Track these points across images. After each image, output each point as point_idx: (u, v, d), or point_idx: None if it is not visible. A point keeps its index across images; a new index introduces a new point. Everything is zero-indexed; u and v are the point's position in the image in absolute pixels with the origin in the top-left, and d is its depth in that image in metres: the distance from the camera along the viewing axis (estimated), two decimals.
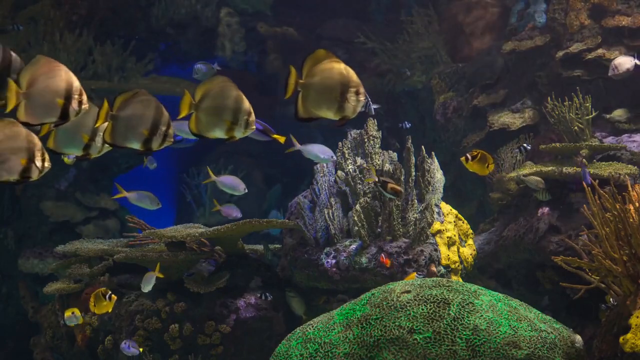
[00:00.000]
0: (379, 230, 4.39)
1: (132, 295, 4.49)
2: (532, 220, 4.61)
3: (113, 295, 3.93)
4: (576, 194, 4.45)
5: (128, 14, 6.58)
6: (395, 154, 4.72)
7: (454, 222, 4.65)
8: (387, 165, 4.53)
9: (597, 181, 3.38)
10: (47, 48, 5.72)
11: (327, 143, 4.32)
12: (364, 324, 3.11)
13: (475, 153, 3.76)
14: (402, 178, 4.46)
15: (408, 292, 3.20)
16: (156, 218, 5.74)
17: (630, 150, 4.73)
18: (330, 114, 2.51)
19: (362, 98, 2.49)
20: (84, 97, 2.45)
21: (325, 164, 4.58)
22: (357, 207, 4.36)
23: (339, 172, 4.63)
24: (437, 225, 4.49)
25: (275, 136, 3.37)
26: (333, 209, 4.44)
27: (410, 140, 4.62)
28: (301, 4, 7.10)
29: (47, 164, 2.49)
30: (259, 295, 4.47)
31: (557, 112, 4.94)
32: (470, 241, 4.71)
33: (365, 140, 4.60)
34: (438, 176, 4.69)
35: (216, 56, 6.97)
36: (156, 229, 4.81)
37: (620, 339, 2.79)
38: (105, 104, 2.47)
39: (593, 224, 3.19)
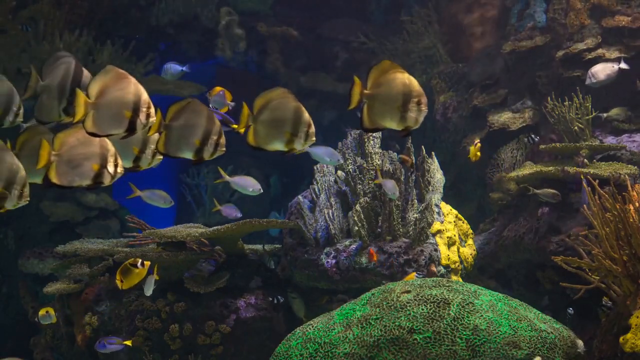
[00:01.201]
0: (379, 230, 4.39)
1: (132, 295, 4.49)
2: (532, 220, 4.61)
3: (146, 262, 3.73)
4: (576, 194, 4.45)
5: (128, 14, 6.57)
6: (395, 154, 4.72)
7: (454, 222, 4.65)
8: (387, 165, 4.53)
9: (597, 181, 3.38)
10: (47, 48, 5.72)
11: (327, 143, 4.32)
12: (364, 324, 3.11)
13: (477, 141, 4.27)
14: (402, 178, 4.46)
15: (408, 292, 3.20)
16: (156, 218, 5.73)
17: (630, 150, 4.73)
18: (393, 124, 2.52)
19: (424, 108, 2.49)
20: (152, 110, 2.43)
21: (325, 164, 4.58)
22: (357, 207, 4.37)
23: (339, 172, 4.63)
24: (437, 225, 4.49)
25: (234, 126, 3.33)
26: (333, 209, 4.44)
27: (410, 140, 4.62)
28: (301, 4, 7.10)
29: (119, 170, 2.50)
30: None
31: (557, 112, 4.95)
32: (470, 241, 4.71)
33: (365, 140, 4.60)
34: (438, 176, 4.69)
35: (216, 56, 6.97)
36: (156, 229, 4.81)
37: (620, 339, 2.79)
38: (159, 114, 2.47)
39: (593, 224, 3.19)
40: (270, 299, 4.48)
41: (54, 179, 2.47)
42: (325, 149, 4.14)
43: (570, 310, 4.11)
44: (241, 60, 7.07)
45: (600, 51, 5.12)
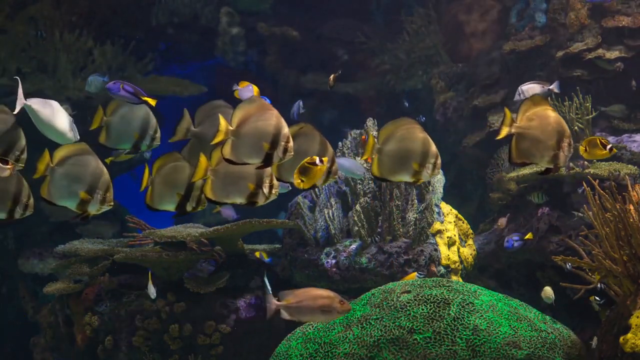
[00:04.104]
0: (379, 230, 4.39)
1: (132, 295, 4.49)
2: (532, 220, 4.61)
3: (324, 158, 3.57)
4: (576, 194, 4.45)
5: (128, 14, 6.57)
6: None
7: (454, 222, 4.65)
8: None
9: (597, 181, 3.38)
10: (47, 48, 5.72)
11: None
12: (364, 324, 3.11)
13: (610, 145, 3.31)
14: None
15: (408, 292, 3.20)
16: (156, 218, 5.71)
17: (630, 150, 4.74)
18: (543, 162, 2.48)
19: (572, 150, 2.46)
20: (290, 145, 2.42)
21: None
22: (357, 207, 4.37)
23: (340, 172, 4.63)
24: (437, 225, 4.49)
25: (145, 99, 3.27)
26: (333, 209, 4.44)
27: None
28: (301, 4, 7.10)
29: (274, 191, 2.52)
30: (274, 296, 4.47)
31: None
32: (470, 241, 4.71)
33: None
34: (438, 176, 4.69)
35: (216, 56, 6.98)
36: (156, 229, 4.81)
37: (621, 339, 2.79)
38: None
39: (593, 224, 3.19)
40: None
41: (209, 193, 2.49)
42: (350, 161, 4.04)
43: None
44: (241, 60, 7.07)
45: (600, 51, 5.13)
